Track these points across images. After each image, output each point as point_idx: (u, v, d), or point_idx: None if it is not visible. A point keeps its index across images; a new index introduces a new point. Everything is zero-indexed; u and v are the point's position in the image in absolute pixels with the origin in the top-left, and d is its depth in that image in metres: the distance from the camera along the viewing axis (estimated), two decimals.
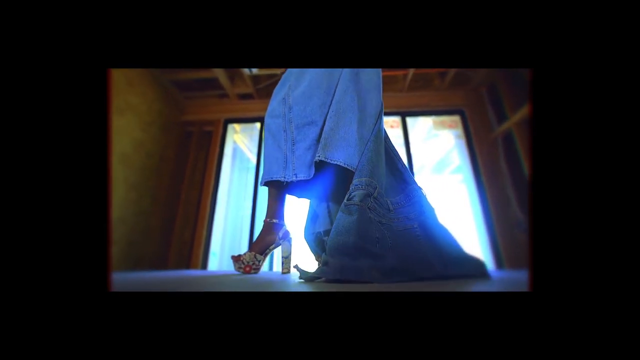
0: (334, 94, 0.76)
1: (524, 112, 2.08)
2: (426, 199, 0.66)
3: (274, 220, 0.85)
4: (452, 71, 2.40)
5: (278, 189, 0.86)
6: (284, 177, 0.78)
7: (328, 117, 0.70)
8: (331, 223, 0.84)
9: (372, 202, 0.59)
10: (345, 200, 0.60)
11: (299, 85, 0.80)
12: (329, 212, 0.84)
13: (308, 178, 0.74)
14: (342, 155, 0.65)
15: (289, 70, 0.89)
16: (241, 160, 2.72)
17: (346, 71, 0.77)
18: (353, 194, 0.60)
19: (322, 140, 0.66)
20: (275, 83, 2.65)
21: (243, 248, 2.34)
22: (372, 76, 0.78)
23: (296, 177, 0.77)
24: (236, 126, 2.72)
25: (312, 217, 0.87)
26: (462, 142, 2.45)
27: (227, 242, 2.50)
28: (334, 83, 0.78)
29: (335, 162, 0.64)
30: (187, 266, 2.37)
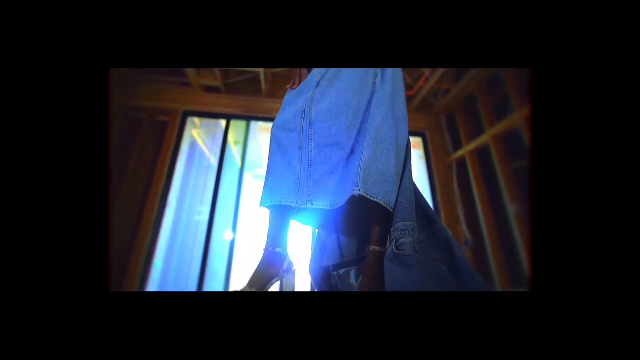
0: (363, 116, 0.70)
1: (477, 142, 2.34)
2: (454, 240, 0.65)
3: (277, 250, 0.75)
4: (419, 95, 2.56)
5: (284, 214, 0.76)
6: (296, 203, 0.69)
7: (365, 145, 0.63)
8: (342, 257, 0.78)
9: None
10: (394, 249, 0.55)
11: (323, 99, 0.71)
12: (339, 244, 0.77)
13: (328, 208, 0.66)
14: (381, 191, 0.59)
15: (310, 77, 0.79)
16: (200, 159, 2.44)
17: (384, 96, 0.71)
18: (402, 241, 0.55)
19: (361, 171, 0.59)
20: (248, 81, 2.47)
21: (196, 261, 2.08)
22: (401, 105, 0.75)
23: (312, 204, 0.67)
24: (196, 120, 2.44)
25: (321, 250, 0.79)
26: (424, 163, 2.64)
27: (176, 252, 2.20)
28: (363, 104, 0.71)
29: (374, 199, 0.58)
30: (121, 277, 2.00)
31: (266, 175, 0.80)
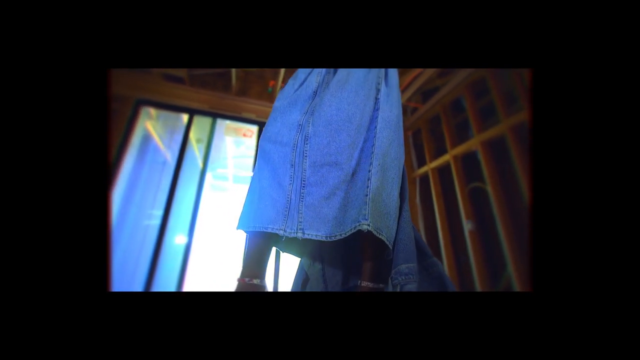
0: (365, 134, 0.63)
1: (439, 160, 2.48)
2: (446, 275, 0.63)
3: (254, 281, 0.65)
4: None
5: (266, 240, 0.66)
6: (284, 231, 0.59)
7: (373, 171, 0.56)
8: (326, 289, 0.71)
9: None
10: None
11: (322, 111, 0.63)
12: (323, 276, 0.70)
13: (323, 239, 0.57)
14: (384, 226, 0.53)
15: (307, 83, 0.70)
16: (154, 154, 2.16)
17: (391, 117, 0.64)
18: (407, 287, 0.50)
19: (369, 202, 0.52)
20: (216, 75, 2.27)
21: (140, 272, 1.82)
22: (402, 129, 0.71)
23: (303, 233, 0.57)
24: (152, 111, 2.16)
25: (303, 281, 0.71)
26: None
27: (117, 260, 1.90)
28: (366, 120, 0.64)
29: (380, 236, 0.52)
30: None
31: (248, 193, 0.69)
